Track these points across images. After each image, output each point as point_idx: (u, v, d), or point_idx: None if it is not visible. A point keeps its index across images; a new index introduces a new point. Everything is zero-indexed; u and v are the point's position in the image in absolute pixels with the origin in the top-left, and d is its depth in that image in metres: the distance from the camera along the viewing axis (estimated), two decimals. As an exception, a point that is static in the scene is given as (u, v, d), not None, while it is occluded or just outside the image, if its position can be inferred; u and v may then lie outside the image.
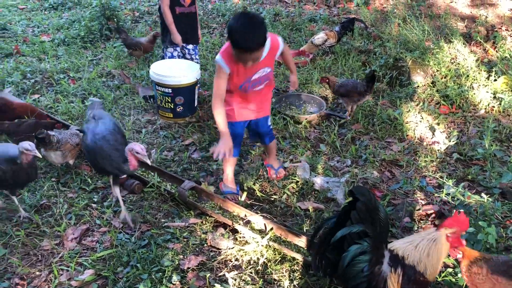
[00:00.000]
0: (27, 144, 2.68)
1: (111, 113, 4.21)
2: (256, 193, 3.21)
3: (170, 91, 3.96)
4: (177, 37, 4.18)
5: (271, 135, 3.33)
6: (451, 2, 6.94)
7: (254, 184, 3.30)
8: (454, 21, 6.15)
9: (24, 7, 7.80)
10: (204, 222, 2.94)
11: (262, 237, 2.73)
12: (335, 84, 4.12)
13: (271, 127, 3.32)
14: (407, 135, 3.94)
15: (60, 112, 4.16)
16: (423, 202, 3.13)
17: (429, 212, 3.01)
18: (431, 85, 4.66)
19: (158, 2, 4.28)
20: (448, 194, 3.00)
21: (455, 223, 1.99)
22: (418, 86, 4.67)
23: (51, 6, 7.71)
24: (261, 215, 2.89)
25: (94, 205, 3.08)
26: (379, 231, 2.05)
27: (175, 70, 3.99)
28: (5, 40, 6.06)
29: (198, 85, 4.35)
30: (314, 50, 5.47)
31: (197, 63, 4.34)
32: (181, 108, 4.06)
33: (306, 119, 4.05)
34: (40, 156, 2.82)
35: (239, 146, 3.28)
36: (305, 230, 2.84)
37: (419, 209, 3.02)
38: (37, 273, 2.56)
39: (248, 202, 3.14)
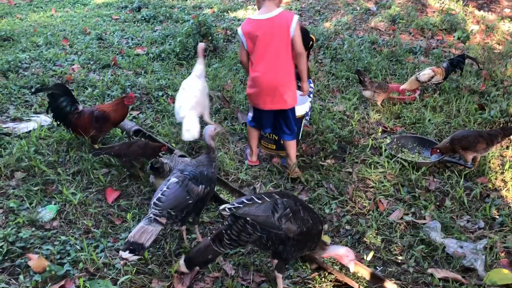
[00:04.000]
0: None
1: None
2: (381, 253, 2.85)
3: (279, 122, 3.71)
4: None
5: None
6: None
7: (375, 238, 2.95)
8: None
9: (118, 17, 7.94)
10: (323, 279, 2.62)
11: (397, 310, 2.37)
12: (452, 144, 3.65)
13: None
14: (546, 197, 3.44)
15: (162, 133, 4.02)
16: None
17: None
18: None
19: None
20: None
21: None
22: (548, 139, 4.15)
23: (143, 18, 7.79)
24: (394, 283, 2.53)
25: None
26: None
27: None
28: (102, 50, 6.11)
29: (306, 117, 4.09)
30: (416, 86, 5.06)
31: (310, 96, 4.06)
32: (286, 140, 3.79)
33: (427, 165, 3.65)
34: None
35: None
36: (447, 307, 2.45)
37: None
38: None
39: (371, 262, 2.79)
